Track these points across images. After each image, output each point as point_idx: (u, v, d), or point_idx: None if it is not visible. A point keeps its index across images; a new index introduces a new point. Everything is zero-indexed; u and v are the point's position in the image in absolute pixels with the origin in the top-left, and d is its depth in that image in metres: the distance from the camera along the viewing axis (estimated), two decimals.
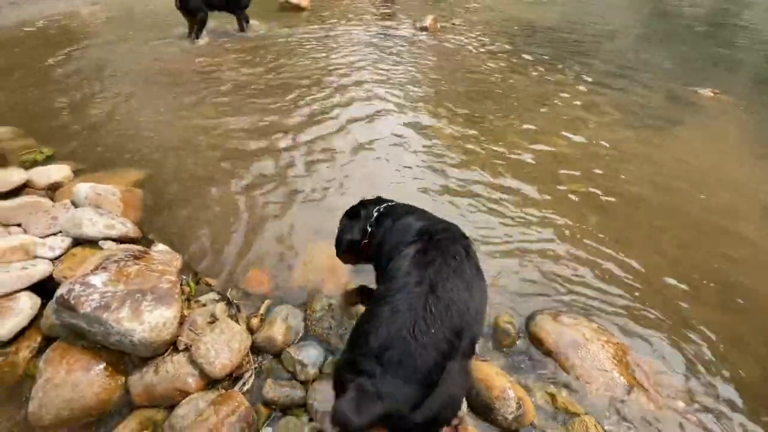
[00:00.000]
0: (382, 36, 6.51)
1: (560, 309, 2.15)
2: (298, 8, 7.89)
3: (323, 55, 5.64)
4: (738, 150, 3.93)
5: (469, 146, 3.69)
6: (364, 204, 1.85)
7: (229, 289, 2.17)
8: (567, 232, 2.80)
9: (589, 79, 5.21)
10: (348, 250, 1.82)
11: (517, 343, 1.97)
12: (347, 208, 1.92)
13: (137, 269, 1.93)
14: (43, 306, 2.10)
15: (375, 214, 1.74)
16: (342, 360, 1.23)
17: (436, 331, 1.16)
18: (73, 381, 1.77)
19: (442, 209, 2.91)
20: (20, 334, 2.02)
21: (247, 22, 6.41)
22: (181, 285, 2.10)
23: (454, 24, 7.09)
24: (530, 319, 2.05)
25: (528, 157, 3.57)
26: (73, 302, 1.74)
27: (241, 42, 6.04)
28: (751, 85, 5.62)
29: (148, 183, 3.15)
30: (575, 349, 1.86)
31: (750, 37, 7.61)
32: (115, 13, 7.35)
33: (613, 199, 3.14)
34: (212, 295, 2.13)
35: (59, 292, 1.80)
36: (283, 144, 3.65)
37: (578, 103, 4.61)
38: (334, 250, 1.96)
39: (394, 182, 3.23)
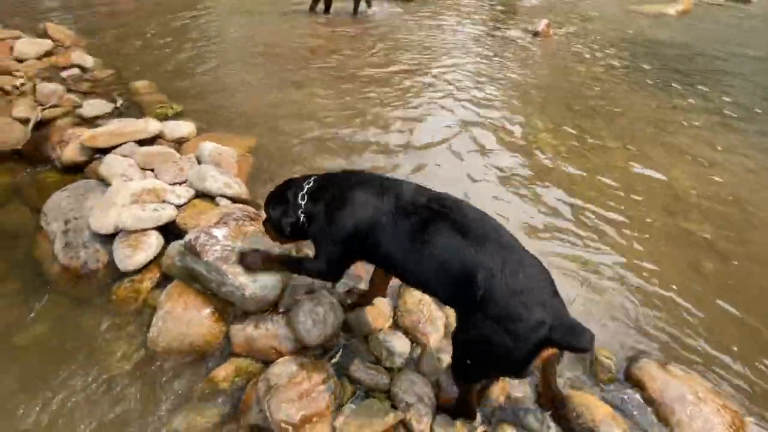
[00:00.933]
0: (490, 35, 6.34)
1: (666, 357, 1.97)
2: None
3: (424, 47, 5.64)
4: None
5: (573, 165, 3.48)
6: (288, 185, 1.80)
7: None
8: (677, 273, 2.55)
9: (722, 110, 4.64)
10: (288, 236, 1.80)
11: (615, 382, 1.84)
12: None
13: (253, 230, 2.08)
14: (164, 246, 2.36)
15: (306, 191, 1.70)
16: (528, 329, 1.27)
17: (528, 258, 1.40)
18: (187, 318, 1.97)
19: (536, 233, 2.79)
20: (145, 267, 2.29)
21: (369, 5, 6.58)
22: None
23: (568, 32, 6.70)
24: (632, 360, 1.90)
25: (640, 185, 3.29)
26: (198, 249, 1.92)
27: (350, 25, 6.22)
28: None
29: (256, 151, 3.37)
30: (683, 404, 1.69)
31: None
32: None
33: (736, 249, 2.79)
34: None
35: (188, 237, 1.99)
36: (373, 131, 3.71)
37: (706, 134, 4.13)
38: None
39: (484, 194, 3.12)
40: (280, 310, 1.95)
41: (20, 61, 4.26)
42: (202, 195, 2.63)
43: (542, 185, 3.23)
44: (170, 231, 2.43)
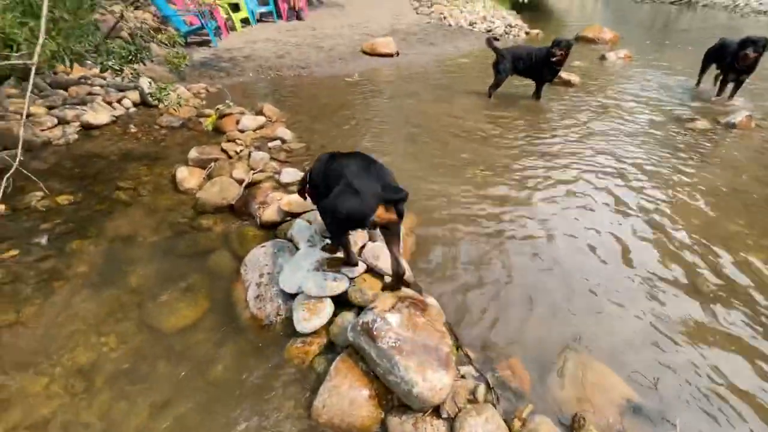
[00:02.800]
0: (670, 124, 5.74)
1: None
2: (568, 84, 7.84)
3: (590, 136, 5.36)
4: None
5: None
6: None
7: (489, 373, 2.14)
8: None
9: None
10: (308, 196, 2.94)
11: None
12: None
13: (423, 322, 2.11)
14: (334, 314, 2.55)
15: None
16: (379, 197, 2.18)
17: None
18: (351, 397, 2.04)
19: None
20: (315, 332, 2.50)
21: (538, 97, 6.80)
22: None
23: None
24: None
25: None
26: (374, 333, 2.02)
27: (506, 108, 6.35)
28: None
29: (416, 230, 3.54)
30: None
31: None
32: (408, 72, 8.91)
33: None
34: (471, 370, 2.14)
35: (366, 318, 2.12)
36: (539, 229, 3.54)
37: None
38: (610, 371, 2.11)
39: (674, 321, 2.65)
40: (443, 415, 1.88)
41: (242, 131, 5.44)
42: (371, 270, 2.82)
43: (757, 327, 2.60)
44: (340, 300, 2.64)
